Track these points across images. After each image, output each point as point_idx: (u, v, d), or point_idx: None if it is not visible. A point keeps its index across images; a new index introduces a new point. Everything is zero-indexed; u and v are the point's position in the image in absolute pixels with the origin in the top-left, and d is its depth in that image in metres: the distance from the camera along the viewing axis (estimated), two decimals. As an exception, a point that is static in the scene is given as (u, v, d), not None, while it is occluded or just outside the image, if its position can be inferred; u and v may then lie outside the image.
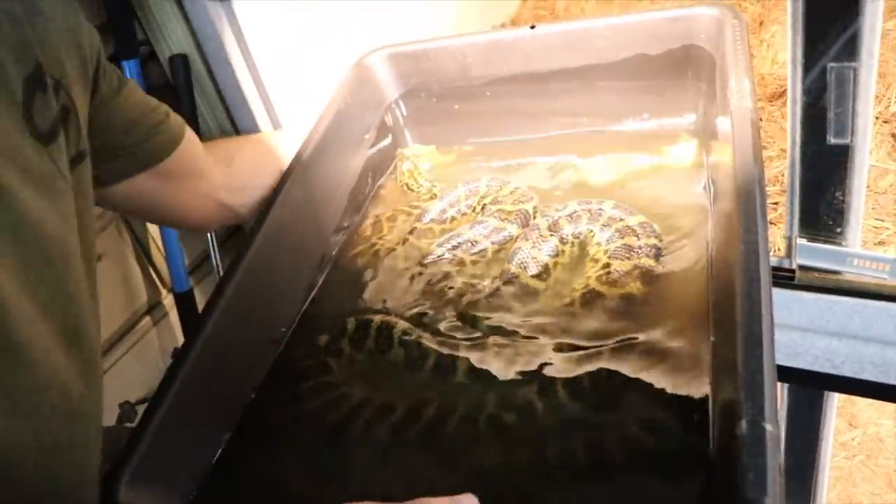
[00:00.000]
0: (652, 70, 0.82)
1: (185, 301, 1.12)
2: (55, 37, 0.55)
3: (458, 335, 0.65)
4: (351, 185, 0.85)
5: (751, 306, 0.46)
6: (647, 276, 0.64)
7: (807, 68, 0.70)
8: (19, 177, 0.49)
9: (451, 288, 0.71)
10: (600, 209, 0.71)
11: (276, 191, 0.72)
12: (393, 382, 0.63)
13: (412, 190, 0.87)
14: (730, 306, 0.48)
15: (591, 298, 0.64)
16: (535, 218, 0.76)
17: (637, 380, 0.56)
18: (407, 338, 0.65)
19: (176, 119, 0.70)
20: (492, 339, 0.63)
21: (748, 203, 0.52)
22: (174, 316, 1.16)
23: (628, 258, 0.65)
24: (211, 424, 0.61)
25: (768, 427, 0.40)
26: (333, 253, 0.80)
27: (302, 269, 0.75)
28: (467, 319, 0.67)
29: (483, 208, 0.81)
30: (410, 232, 0.79)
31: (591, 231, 0.71)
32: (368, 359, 0.66)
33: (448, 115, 0.95)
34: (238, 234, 1.22)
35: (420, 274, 0.74)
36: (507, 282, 0.69)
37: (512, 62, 0.91)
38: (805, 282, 0.85)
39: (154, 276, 1.15)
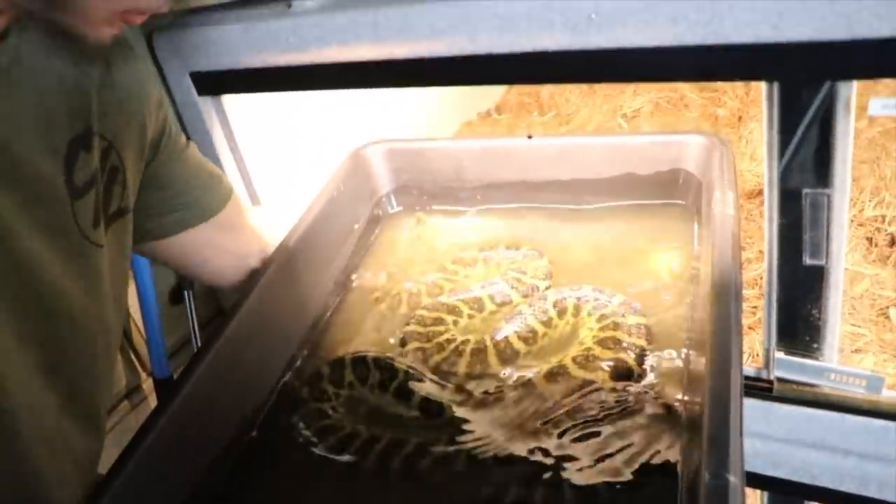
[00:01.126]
0: (640, 188, 0.85)
1: (165, 387, 1.11)
2: (118, 108, 0.62)
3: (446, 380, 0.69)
4: (337, 271, 0.86)
5: (720, 419, 0.47)
6: (622, 371, 0.65)
7: (783, 193, 0.73)
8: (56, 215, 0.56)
9: (442, 333, 0.74)
10: (609, 301, 0.72)
11: (261, 271, 0.73)
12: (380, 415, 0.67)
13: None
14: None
15: (557, 373, 0.65)
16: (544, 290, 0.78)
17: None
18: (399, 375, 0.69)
19: (224, 175, 0.78)
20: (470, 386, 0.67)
21: (722, 318, 0.54)
22: (153, 401, 1.15)
23: (611, 350, 0.66)
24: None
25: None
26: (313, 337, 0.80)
27: (280, 348, 0.75)
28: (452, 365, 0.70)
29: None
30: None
31: (590, 316, 0.72)
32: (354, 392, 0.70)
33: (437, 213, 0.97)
34: (218, 318, 1.22)
35: (417, 317, 0.77)
36: (495, 339, 0.71)
37: (506, 169, 0.94)
38: (783, 394, 0.86)
39: (134, 359, 1.15)
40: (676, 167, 0.84)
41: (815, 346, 0.81)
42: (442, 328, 0.75)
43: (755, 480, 0.95)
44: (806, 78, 0.65)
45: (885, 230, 1.11)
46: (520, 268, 0.82)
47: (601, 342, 0.68)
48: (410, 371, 0.69)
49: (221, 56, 0.95)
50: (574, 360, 0.66)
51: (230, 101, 1.05)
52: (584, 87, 1.77)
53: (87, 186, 0.58)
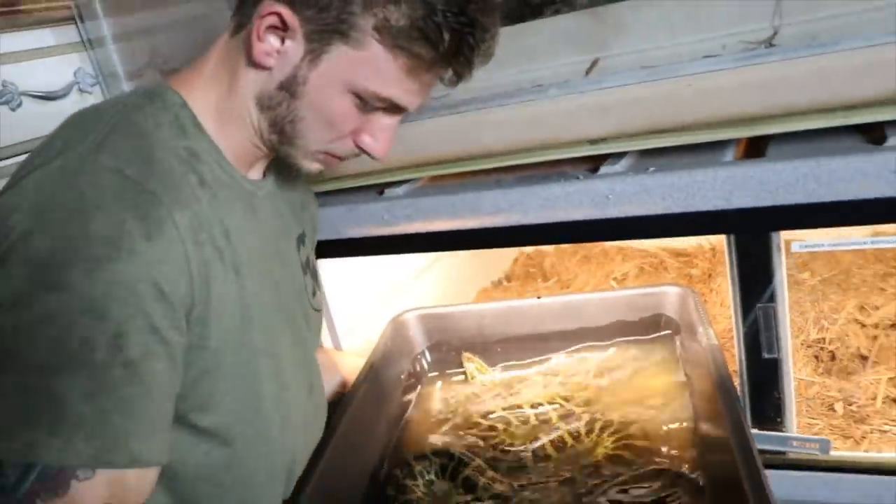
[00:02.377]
0: (629, 330, 1.23)
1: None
2: (307, 217, 1.05)
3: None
4: (389, 413, 1.18)
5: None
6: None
7: (744, 308, 1.06)
8: (298, 289, 0.97)
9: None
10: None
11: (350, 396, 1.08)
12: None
13: (474, 378, 1.22)
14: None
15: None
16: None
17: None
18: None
19: None
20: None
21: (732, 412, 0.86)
22: None
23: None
24: None
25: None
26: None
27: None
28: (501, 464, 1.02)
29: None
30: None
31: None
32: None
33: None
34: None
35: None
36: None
37: (520, 325, 1.29)
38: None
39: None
40: (658, 312, 1.22)
41: (779, 420, 1.11)
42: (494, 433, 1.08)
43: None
44: (749, 230, 1.00)
45: (827, 349, 1.45)
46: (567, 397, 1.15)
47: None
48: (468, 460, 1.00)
49: (323, 229, 1.29)
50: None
51: (324, 264, 1.39)
52: (580, 255, 2.13)
53: (306, 268, 0.94)
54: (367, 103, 0.80)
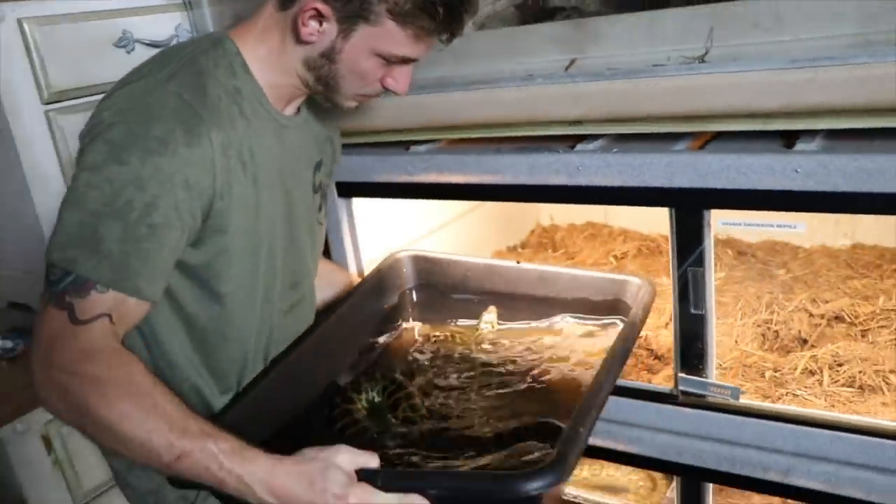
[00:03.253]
0: (591, 308, 1.43)
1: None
2: (329, 150, 1.34)
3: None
4: (365, 333, 1.47)
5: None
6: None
7: (679, 271, 1.32)
8: (307, 203, 1.24)
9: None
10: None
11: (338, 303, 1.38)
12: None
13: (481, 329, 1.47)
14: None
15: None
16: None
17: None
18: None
19: None
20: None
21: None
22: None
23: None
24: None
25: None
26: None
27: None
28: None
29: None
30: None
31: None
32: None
33: (443, 306, 1.54)
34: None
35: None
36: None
37: (499, 283, 1.51)
38: (684, 401, 1.41)
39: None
40: (618, 298, 1.39)
41: (701, 367, 1.37)
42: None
43: (668, 467, 1.47)
44: (685, 207, 1.26)
45: (772, 329, 1.69)
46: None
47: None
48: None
49: (358, 173, 1.59)
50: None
51: (356, 203, 1.70)
52: (587, 233, 2.39)
53: (317, 189, 1.25)
54: (388, 60, 1.10)
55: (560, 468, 0.90)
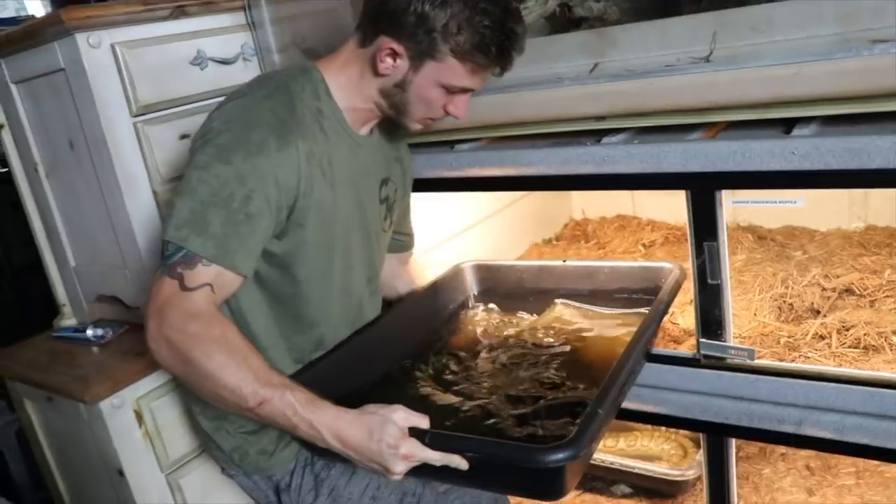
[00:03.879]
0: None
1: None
2: (399, 170, 1.55)
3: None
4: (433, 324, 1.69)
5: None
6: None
7: (697, 246, 1.49)
8: (375, 212, 1.46)
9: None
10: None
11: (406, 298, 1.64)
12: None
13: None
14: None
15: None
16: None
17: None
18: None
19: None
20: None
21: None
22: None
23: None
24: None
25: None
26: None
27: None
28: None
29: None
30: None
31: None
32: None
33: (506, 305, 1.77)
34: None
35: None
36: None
37: (549, 281, 1.76)
38: (705, 364, 1.57)
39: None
40: (656, 284, 1.62)
41: (720, 332, 1.53)
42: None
43: (694, 425, 1.64)
44: (699, 188, 1.43)
45: (787, 302, 1.85)
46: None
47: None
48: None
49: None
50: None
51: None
52: (616, 224, 2.56)
53: (384, 201, 1.45)
54: (450, 90, 1.32)
55: (577, 444, 1.04)
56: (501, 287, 1.81)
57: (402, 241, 1.75)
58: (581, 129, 1.52)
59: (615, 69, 1.40)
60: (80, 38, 1.56)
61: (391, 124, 1.44)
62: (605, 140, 1.51)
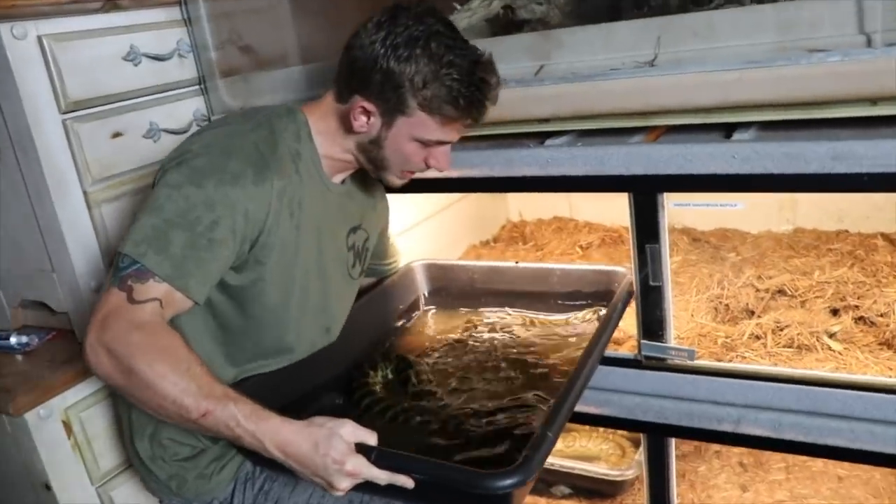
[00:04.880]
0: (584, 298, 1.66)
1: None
2: (374, 216, 1.54)
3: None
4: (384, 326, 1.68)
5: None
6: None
7: (639, 249, 1.51)
8: (338, 258, 1.44)
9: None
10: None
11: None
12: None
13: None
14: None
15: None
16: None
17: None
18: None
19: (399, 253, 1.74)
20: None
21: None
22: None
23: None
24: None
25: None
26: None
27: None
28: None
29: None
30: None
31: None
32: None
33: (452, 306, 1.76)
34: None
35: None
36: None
37: (501, 282, 1.77)
38: (646, 365, 1.59)
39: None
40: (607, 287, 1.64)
41: (661, 333, 1.56)
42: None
43: (635, 426, 1.66)
44: (642, 191, 1.45)
45: (723, 303, 1.89)
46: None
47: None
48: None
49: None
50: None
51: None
52: (554, 226, 2.57)
53: (351, 248, 1.44)
54: (425, 144, 1.32)
55: (526, 470, 1.03)
56: (453, 287, 1.81)
57: (386, 269, 1.79)
58: (524, 132, 1.52)
59: (561, 72, 1.40)
60: (4, 28, 1.48)
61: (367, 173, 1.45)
62: (548, 142, 1.51)
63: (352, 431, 1.10)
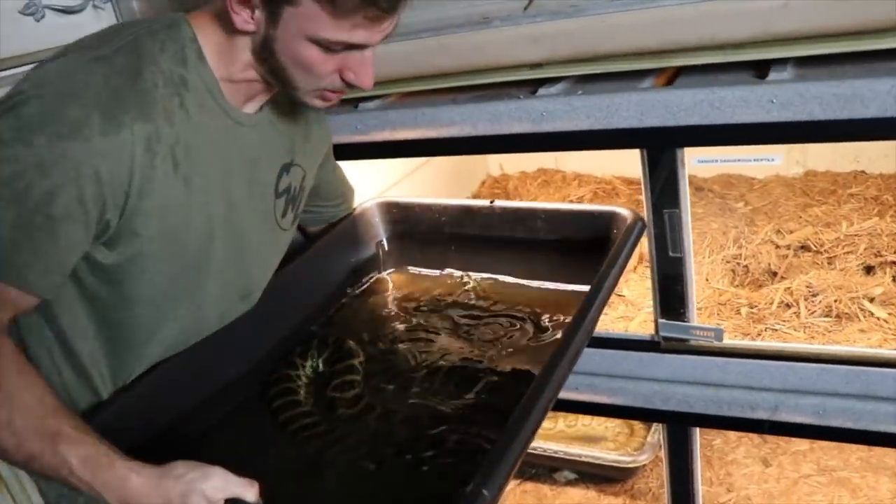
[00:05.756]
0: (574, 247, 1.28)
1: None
2: (309, 148, 1.18)
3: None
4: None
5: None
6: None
7: (654, 214, 1.27)
8: (261, 208, 1.10)
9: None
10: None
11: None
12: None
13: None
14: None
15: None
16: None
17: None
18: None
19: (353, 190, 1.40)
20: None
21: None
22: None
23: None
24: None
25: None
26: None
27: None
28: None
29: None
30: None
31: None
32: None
33: (419, 255, 1.43)
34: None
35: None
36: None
37: (473, 226, 1.36)
38: (666, 347, 1.37)
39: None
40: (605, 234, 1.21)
41: (682, 311, 1.33)
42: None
43: (654, 415, 1.44)
44: (657, 146, 1.20)
45: (742, 264, 1.66)
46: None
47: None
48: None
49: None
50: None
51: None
52: (540, 180, 2.33)
53: (283, 193, 1.12)
54: (327, 47, 0.96)
55: None
56: (416, 232, 1.42)
57: (333, 213, 1.40)
58: (512, 80, 1.26)
59: (556, 6, 1.13)
60: None
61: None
62: (541, 91, 1.26)
63: (221, 485, 0.83)
